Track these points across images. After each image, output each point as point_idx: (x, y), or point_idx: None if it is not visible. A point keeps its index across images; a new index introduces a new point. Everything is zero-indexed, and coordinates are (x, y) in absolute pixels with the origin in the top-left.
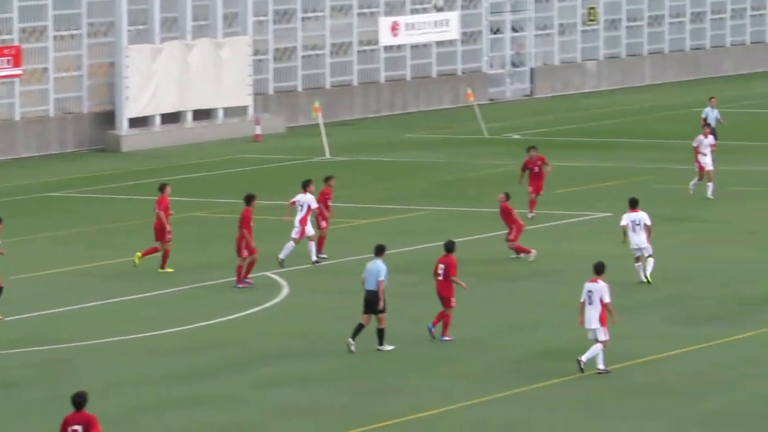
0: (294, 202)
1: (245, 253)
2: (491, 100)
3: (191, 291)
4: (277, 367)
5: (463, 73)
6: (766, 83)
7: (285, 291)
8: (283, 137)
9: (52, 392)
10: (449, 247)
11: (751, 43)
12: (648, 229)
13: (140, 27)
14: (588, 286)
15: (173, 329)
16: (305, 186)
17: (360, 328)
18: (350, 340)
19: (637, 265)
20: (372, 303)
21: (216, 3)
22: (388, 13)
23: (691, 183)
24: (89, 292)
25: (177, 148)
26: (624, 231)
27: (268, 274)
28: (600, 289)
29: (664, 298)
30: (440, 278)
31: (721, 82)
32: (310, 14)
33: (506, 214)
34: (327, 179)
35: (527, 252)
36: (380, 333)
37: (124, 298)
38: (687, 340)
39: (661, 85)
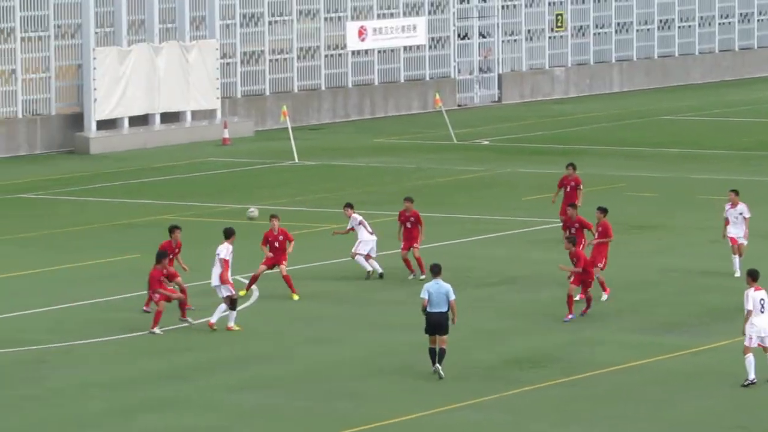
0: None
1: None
2: (459, 105)
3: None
4: (245, 371)
5: (431, 78)
6: (734, 91)
7: (254, 295)
8: (252, 141)
9: (21, 394)
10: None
11: (720, 51)
12: None
13: (107, 29)
14: (757, 294)
15: (142, 333)
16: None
17: (434, 351)
18: (436, 366)
19: None
20: (440, 325)
21: (183, 6)
22: (355, 18)
23: (735, 264)
24: (57, 294)
25: (145, 151)
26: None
27: (237, 278)
28: None
29: (631, 306)
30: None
31: (689, 90)
32: (277, 18)
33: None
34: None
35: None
36: (442, 354)
37: (93, 300)
38: (656, 348)
39: (629, 92)
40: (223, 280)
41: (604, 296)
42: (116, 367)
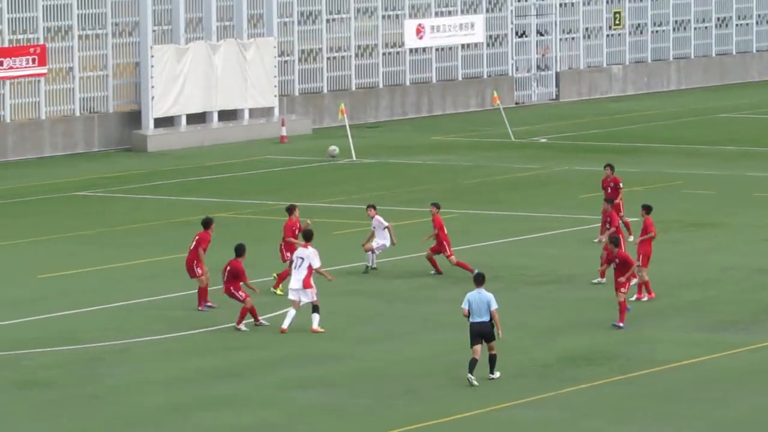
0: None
1: (199, 272)
2: (517, 103)
3: (217, 292)
4: (302, 369)
5: (489, 76)
6: None
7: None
8: (309, 138)
9: (78, 392)
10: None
11: None
12: None
13: (165, 27)
14: None
15: (199, 330)
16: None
17: (475, 362)
18: (470, 375)
19: None
20: (486, 334)
21: (241, 4)
22: (413, 16)
23: None
24: (114, 292)
25: (203, 149)
26: None
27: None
28: None
29: (689, 303)
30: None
31: (747, 87)
32: (335, 16)
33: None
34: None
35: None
36: (494, 359)
37: (150, 298)
38: (713, 346)
39: (686, 90)
40: (307, 284)
41: (645, 298)
42: (173, 364)
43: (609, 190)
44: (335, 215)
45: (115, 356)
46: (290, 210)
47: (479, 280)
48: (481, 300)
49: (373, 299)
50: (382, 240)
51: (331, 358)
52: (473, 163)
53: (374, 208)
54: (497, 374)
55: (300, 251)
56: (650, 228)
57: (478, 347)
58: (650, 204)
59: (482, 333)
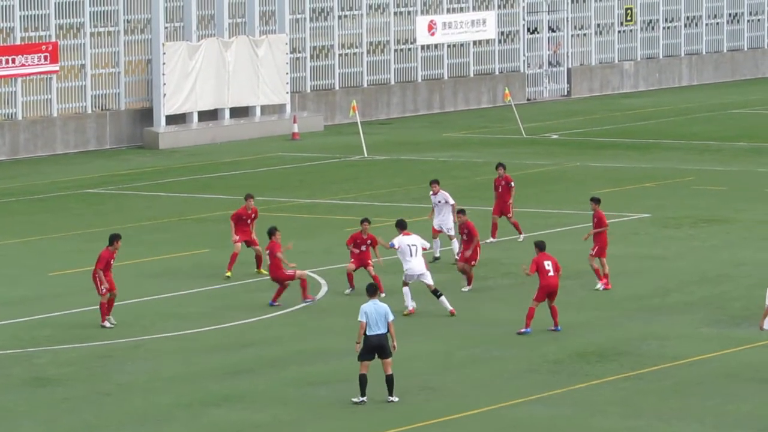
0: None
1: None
2: (529, 99)
3: (229, 289)
4: (315, 366)
5: (500, 72)
6: None
7: (323, 289)
8: (321, 135)
9: (89, 389)
10: (542, 245)
11: None
12: None
13: (177, 24)
14: None
15: (212, 327)
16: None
17: (365, 379)
18: (363, 399)
19: None
20: (382, 347)
21: (253, 0)
22: (424, 12)
23: None
24: (126, 289)
25: (214, 146)
26: None
27: (307, 272)
28: None
29: (700, 299)
30: (551, 274)
31: (759, 83)
32: (347, 12)
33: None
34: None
35: None
36: (391, 380)
37: (162, 295)
38: (724, 341)
39: (698, 86)
40: (427, 266)
41: (599, 285)
42: (185, 361)
43: (500, 189)
44: (347, 212)
45: (126, 353)
46: (247, 197)
47: (372, 291)
48: (378, 311)
49: (391, 295)
50: (446, 219)
51: (344, 354)
52: (485, 160)
53: (438, 183)
54: (396, 398)
55: (408, 239)
56: (603, 221)
57: (367, 363)
58: (599, 196)
59: (381, 345)
